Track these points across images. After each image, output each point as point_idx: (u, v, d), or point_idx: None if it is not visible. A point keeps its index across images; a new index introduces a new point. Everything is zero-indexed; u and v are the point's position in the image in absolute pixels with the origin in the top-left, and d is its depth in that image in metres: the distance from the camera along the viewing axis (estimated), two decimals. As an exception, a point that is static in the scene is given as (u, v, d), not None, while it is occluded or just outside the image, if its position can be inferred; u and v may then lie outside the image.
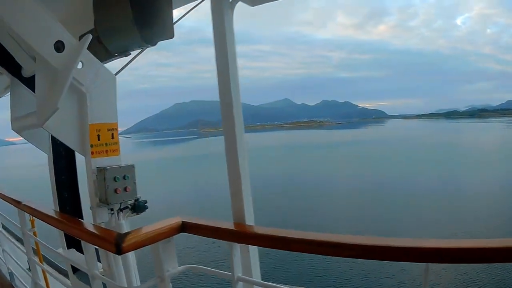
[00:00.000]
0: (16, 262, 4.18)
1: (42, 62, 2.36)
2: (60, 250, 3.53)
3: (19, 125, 3.29)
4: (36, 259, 3.80)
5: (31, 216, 3.42)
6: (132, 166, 2.61)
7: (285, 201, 31.23)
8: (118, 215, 2.58)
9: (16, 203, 3.27)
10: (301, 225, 22.04)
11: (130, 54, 3.39)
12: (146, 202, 2.68)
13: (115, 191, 2.47)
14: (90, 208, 2.59)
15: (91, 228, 2.10)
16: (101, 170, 2.48)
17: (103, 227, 2.54)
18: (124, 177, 2.52)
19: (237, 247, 1.99)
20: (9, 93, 5.08)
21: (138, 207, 2.62)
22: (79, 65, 2.45)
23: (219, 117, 2.27)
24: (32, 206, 3.04)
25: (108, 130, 2.63)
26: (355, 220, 24.12)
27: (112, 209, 2.59)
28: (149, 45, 3.19)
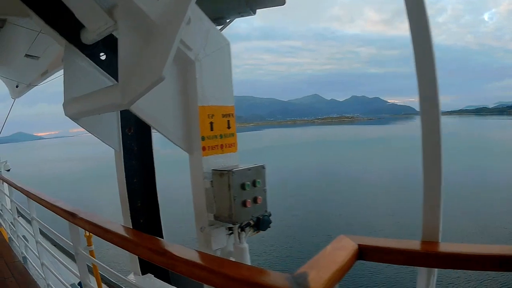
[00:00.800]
0: (58, 278, 3.27)
1: (131, 13, 1.61)
2: (131, 277, 2.77)
3: (77, 108, 2.46)
4: (94, 283, 3.02)
5: (86, 231, 2.57)
6: (263, 167, 1.84)
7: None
8: (239, 237, 1.82)
9: (71, 217, 2.42)
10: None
11: (225, 22, 2.69)
12: (270, 215, 1.92)
13: (244, 204, 1.70)
14: (201, 230, 1.84)
15: (231, 269, 1.26)
16: (222, 174, 1.70)
17: (219, 255, 1.80)
18: (254, 184, 1.75)
19: (431, 273, 1.45)
20: (47, 78, 4.36)
21: (263, 222, 1.84)
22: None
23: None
24: (95, 221, 2.11)
25: (223, 116, 1.85)
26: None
27: (230, 228, 1.85)
28: (250, 13, 2.48)
